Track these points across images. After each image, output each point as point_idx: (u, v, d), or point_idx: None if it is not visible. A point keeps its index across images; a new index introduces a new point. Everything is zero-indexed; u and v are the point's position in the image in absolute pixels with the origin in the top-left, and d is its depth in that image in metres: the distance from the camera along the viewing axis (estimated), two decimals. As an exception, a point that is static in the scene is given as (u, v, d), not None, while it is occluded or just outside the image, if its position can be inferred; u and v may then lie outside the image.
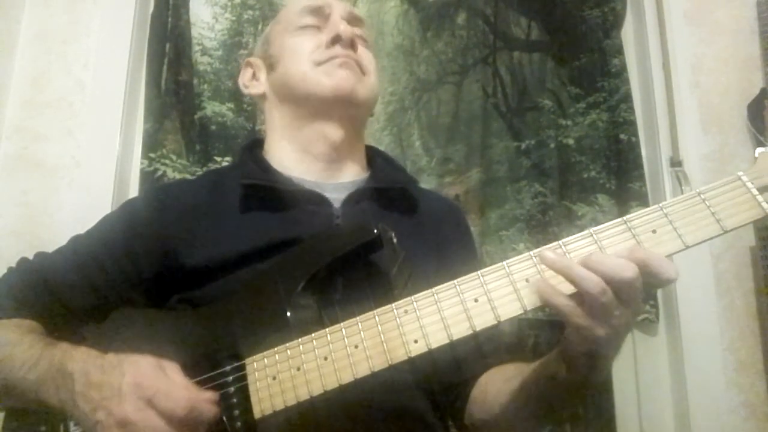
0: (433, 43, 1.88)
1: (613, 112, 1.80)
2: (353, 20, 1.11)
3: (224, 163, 1.68)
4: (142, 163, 1.65)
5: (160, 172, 1.63)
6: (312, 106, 1.05)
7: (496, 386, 0.93)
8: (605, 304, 0.66)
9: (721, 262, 1.69)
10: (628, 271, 0.66)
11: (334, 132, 1.05)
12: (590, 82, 1.84)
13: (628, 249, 0.68)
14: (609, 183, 1.77)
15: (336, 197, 1.02)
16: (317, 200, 1.00)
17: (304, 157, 1.07)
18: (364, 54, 1.10)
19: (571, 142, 1.81)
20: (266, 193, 0.99)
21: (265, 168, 1.05)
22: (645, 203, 1.70)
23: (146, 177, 1.63)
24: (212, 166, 1.67)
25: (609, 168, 1.78)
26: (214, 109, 1.73)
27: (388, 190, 1.07)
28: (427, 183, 1.75)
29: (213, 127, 1.72)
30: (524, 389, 0.85)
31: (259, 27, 1.81)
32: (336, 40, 1.05)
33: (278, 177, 1.03)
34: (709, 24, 1.85)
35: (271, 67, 1.11)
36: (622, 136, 1.77)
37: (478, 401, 0.97)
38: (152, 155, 1.65)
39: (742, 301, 1.67)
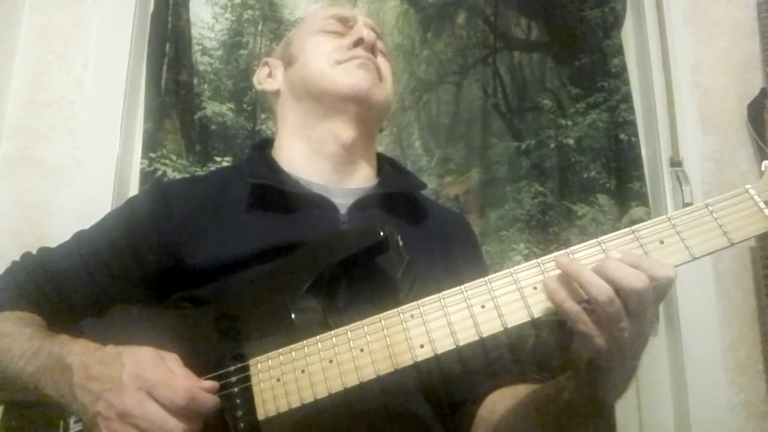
0: (433, 43, 1.88)
1: (613, 112, 1.79)
2: (375, 33, 1.14)
3: (224, 163, 1.68)
4: (142, 163, 1.65)
5: (160, 172, 1.63)
6: (327, 104, 1.06)
7: (505, 405, 0.91)
8: (612, 313, 0.65)
9: (721, 262, 1.69)
10: (638, 281, 0.65)
11: (345, 132, 1.06)
12: (590, 82, 1.83)
13: (633, 256, 0.68)
14: (609, 183, 1.76)
15: (343, 202, 1.02)
16: (324, 204, 1.00)
17: (314, 158, 1.07)
18: (382, 62, 1.13)
19: (571, 142, 1.80)
20: (273, 194, 0.99)
21: (273, 168, 1.05)
22: (645, 203, 1.70)
23: (146, 177, 1.63)
24: (212, 166, 1.66)
25: (609, 168, 1.77)
26: (214, 109, 1.73)
27: (397, 198, 1.07)
28: (427, 183, 1.75)
29: (213, 127, 1.72)
30: (533, 408, 0.84)
31: (259, 27, 1.81)
32: (359, 42, 1.08)
33: (286, 178, 1.03)
34: (708, 24, 1.85)
35: (289, 63, 1.14)
36: (622, 136, 1.76)
37: (485, 420, 0.95)
38: (152, 155, 1.64)
39: (742, 301, 1.67)
